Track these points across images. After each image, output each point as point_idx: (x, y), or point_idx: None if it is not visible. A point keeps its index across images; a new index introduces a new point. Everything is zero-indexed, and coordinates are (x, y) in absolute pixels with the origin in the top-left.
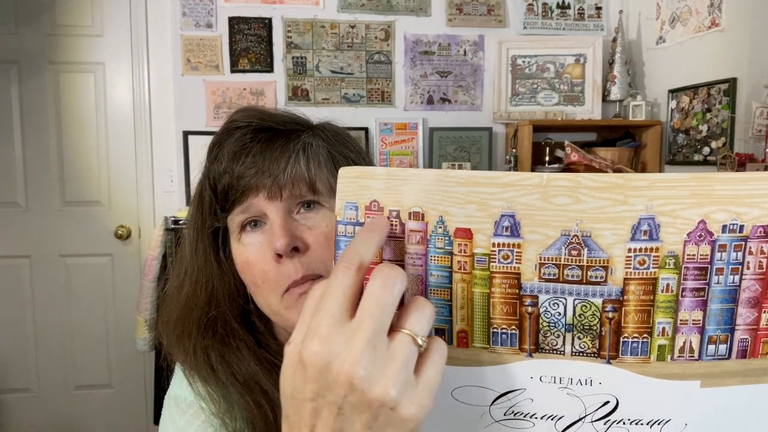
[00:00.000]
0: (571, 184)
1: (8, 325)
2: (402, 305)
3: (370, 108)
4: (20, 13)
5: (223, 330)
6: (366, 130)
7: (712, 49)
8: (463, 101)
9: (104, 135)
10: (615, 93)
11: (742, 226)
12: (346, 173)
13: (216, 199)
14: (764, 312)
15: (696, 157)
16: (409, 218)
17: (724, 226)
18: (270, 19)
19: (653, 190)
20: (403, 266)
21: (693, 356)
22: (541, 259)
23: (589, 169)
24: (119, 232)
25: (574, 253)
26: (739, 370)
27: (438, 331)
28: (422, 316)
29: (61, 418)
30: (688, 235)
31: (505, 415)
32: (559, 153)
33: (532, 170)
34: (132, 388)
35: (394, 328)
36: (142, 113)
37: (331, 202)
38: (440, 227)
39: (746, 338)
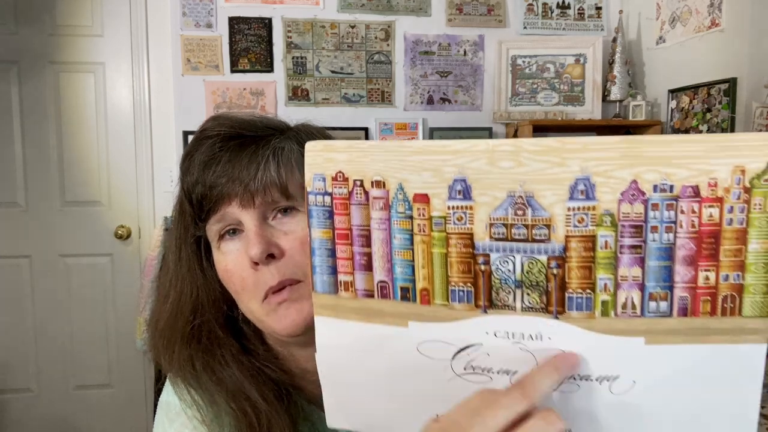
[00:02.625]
0: (514, 148)
1: (8, 325)
2: None
3: (370, 108)
4: (20, 13)
5: (208, 339)
6: (366, 130)
7: (712, 49)
8: (463, 101)
9: (104, 135)
10: (615, 93)
11: (672, 186)
12: (312, 147)
13: (193, 210)
14: (701, 271)
15: None
16: (372, 186)
17: (655, 186)
18: (270, 19)
19: (587, 152)
20: (369, 230)
21: (635, 312)
22: (491, 220)
23: None
24: (119, 232)
25: (519, 213)
26: (681, 328)
27: (403, 290)
28: None
29: (61, 418)
30: (621, 194)
31: (465, 369)
32: None
33: None
34: (132, 388)
35: None
36: (142, 113)
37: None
38: (400, 194)
39: (686, 296)
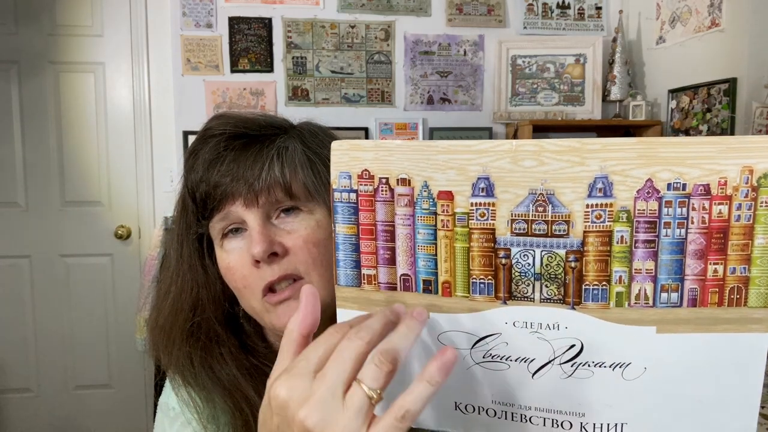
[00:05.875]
0: (536, 148)
1: (8, 325)
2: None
3: (370, 108)
4: (20, 13)
5: (207, 336)
6: (366, 130)
7: (712, 49)
8: (463, 101)
9: (104, 135)
10: (615, 93)
11: (684, 185)
12: (338, 146)
13: (196, 208)
14: (710, 264)
15: None
16: (397, 184)
17: (669, 184)
18: (270, 19)
19: (605, 152)
20: (393, 226)
21: (648, 303)
22: (512, 216)
23: None
24: (119, 232)
25: (540, 209)
26: (691, 318)
27: (425, 282)
28: (379, 370)
29: (61, 418)
30: (637, 192)
31: (483, 357)
32: None
33: None
34: (132, 388)
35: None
36: (142, 113)
37: (309, 205)
38: (425, 191)
39: (695, 288)
